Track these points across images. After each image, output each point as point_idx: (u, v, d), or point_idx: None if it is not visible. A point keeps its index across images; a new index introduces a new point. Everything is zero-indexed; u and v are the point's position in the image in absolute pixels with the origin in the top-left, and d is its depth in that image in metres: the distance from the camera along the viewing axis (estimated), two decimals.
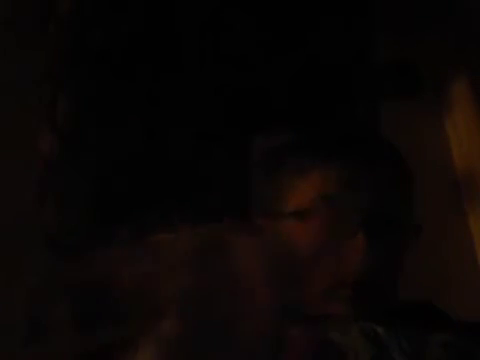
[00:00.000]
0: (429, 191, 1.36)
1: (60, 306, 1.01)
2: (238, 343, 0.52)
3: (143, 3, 1.02)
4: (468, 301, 1.25)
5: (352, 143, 0.83)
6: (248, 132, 1.04)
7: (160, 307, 0.56)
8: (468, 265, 1.34)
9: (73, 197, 1.04)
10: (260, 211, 0.84)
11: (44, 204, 1.05)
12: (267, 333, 0.53)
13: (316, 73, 1.07)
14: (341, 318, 0.71)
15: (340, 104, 1.10)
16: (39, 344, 1.01)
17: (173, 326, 0.55)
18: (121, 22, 1.02)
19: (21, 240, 1.11)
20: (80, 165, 1.04)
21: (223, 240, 0.60)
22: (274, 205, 0.84)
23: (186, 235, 0.60)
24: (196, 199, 1.04)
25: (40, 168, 1.05)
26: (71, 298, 0.98)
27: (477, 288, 1.31)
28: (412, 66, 1.31)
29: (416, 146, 1.37)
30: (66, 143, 1.03)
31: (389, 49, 1.24)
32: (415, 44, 1.28)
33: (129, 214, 1.04)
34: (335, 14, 1.07)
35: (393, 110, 1.21)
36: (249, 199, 0.87)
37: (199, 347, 0.54)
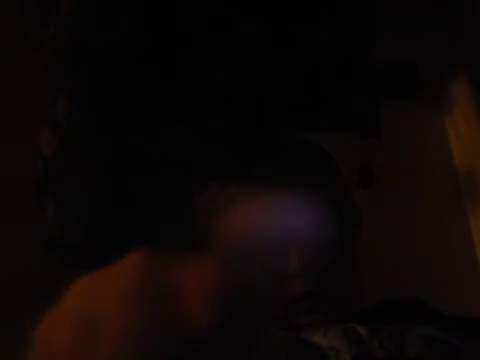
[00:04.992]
0: (429, 191, 1.36)
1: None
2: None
3: (144, 3, 1.02)
4: (468, 301, 1.25)
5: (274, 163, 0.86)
6: (248, 132, 1.04)
7: None
8: (468, 265, 1.34)
9: (73, 197, 1.04)
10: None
11: (44, 204, 1.05)
12: None
13: (315, 73, 1.07)
14: (324, 322, 0.72)
15: (340, 104, 1.10)
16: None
17: None
18: (121, 22, 1.02)
19: (21, 240, 1.11)
20: (80, 165, 1.04)
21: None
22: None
23: None
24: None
25: (40, 168, 1.05)
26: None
27: (477, 288, 1.31)
28: (412, 66, 1.31)
29: (416, 146, 1.37)
30: (66, 143, 1.03)
31: (389, 49, 1.24)
32: (415, 44, 1.28)
33: (129, 214, 1.04)
34: (334, 14, 1.07)
35: (393, 110, 1.21)
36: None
37: None
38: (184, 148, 1.03)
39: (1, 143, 1.15)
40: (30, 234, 1.06)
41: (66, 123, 1.03)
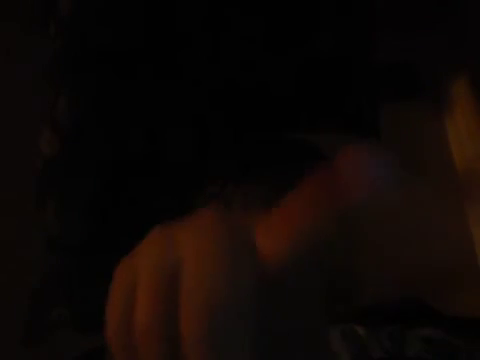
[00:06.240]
0: None
1: (60, 306, 1.01)
2: None
3: (143, 3, 1.02)
4: (468, 301, 1.25)
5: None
6: (249, 132, 1.04)
7: None
8: (468, 265, 1.34)
9: (73, 197, 1.04)
10: None
11: (44, 204, 1.05)
12: None
13: (315, 74, 1.07)
14: None
15: (339, 104, 1.10)
16: (39, 344, 1.01)
17: None
18: (122, 22, 1.02)
19: (21, 240, 1.11)
20: (80, 165, 1.04)
21: None
22: None
23: None
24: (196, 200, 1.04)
25: (40, 168, 1.05)
26: (71, 298, 0.98)
27: (477, 288, 1.31)
28: (412, 66, 1.31)
29: (416, 146, 1.37)
30: (66, 143, 1.03)
31: (389, 49, 1.24)
32: (415, 44, 1.28)
33: (129, 214, 1.05)
34: (334, 14, 1.07)
35: (393, 110, 1.21)
36: None
37: None
38: (184, 148, 1.04)
39: (1, 143, 1.15)
40: (30, 234, 1.06)
41: (66, 123, 1.03)
